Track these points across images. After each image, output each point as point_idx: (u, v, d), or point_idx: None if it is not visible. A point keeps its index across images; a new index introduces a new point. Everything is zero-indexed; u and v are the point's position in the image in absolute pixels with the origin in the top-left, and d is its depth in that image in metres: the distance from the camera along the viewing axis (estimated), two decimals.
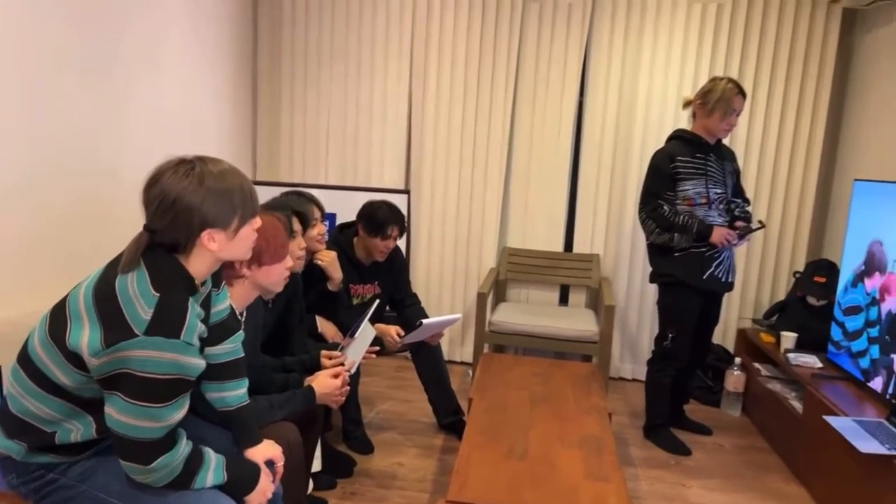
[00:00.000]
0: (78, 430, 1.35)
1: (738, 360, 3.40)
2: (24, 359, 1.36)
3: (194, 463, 1.35)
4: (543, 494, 1.79)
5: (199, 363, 1.31)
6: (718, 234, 2.78)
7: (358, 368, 2.46)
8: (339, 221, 3.01)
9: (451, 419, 2.98)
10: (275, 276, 1.74)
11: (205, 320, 1.42)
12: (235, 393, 1.55)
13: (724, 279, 2.88)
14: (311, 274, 2.48)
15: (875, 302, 2.60)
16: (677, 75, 3.60)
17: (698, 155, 2.83)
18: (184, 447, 1.32)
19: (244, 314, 1.80)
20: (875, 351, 2.58)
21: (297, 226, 2.10)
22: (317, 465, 2.40)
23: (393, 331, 2.68)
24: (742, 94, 2.78)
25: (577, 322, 3.48)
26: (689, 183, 2.80)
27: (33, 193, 2.32)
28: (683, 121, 3.04)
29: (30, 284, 2.32)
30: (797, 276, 3.48)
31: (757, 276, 3.74)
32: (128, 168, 2.80)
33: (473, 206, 3.89)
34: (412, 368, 3.03)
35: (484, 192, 3.86)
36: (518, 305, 3.82)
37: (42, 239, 2.37)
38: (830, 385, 2.73)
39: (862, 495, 2.26)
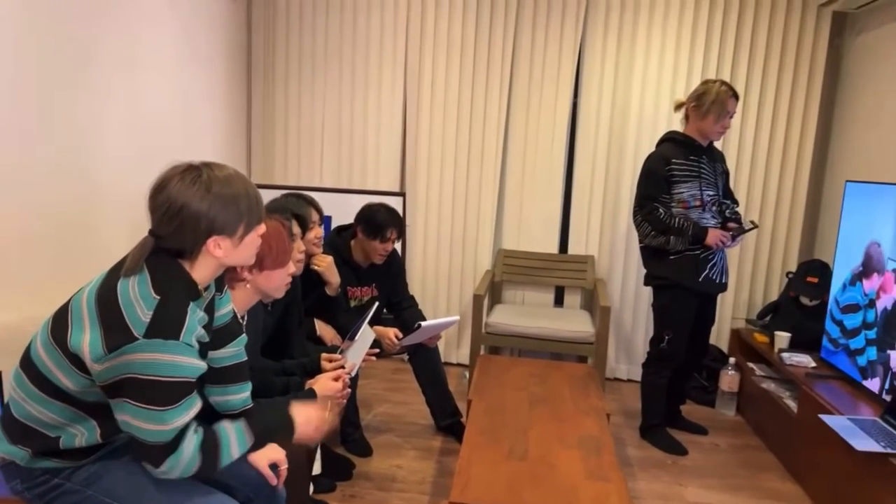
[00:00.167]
0: (82, 434, 1.35)
1: (732, 360, 3.42)
2: (27, 363, 1.35)
3: (211, 447, 1.34)
4: (544, 494, 1.80)
5: (199, 364, 1.31)
6: (713, 236, 2.80)
7: (357, 371, 2.47)
8: (334, 224, 3.01)
9: (449, 421, 2.99)
10: (276, 281, 1.75)
11: (209, 325, 1.42)
12: (239, 396, 1.56)
13: (718, 280, 2.91)
14: (310, 277, 2.49)
15: (873, 304, 2.63)
16: (670, 78, 3.63)
17: (692, 157, 2.86)
18: (188, 444, 1.30)
19: (245, 318, 1.80)
20: (872, 352, 2.62)
21: (296, 229, 2.11)
22: (316, 469, 2.40)
23: (391, 333, 2.68)
24: (735, 96, 2.81)
25: (573, 323, 3.50)
26: (684, 185, 2.83)
27: (27, 195, 2.31)
28: (676, 123, 3.06)
29: (22, 288, 2.31)
30: (790, 276, 3.51)
31: (750, 276, 3.77)
32: (123, 172, 2.79)
33: (468, 208, 3.90)
34: (409, 371, 3.04)
35: (479, 193, 3.88)
36: (514, 307, 3.83)
37: (32, 242, 2.36)
38: (824, 384, 2.76)
39: (858, 493, 2.28)
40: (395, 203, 3.21)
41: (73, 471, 1.38)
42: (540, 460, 1.99)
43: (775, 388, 3.13)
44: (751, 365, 3.40)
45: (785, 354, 3.07)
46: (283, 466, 1.57)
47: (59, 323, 1.31)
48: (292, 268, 1.79)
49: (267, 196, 1.92)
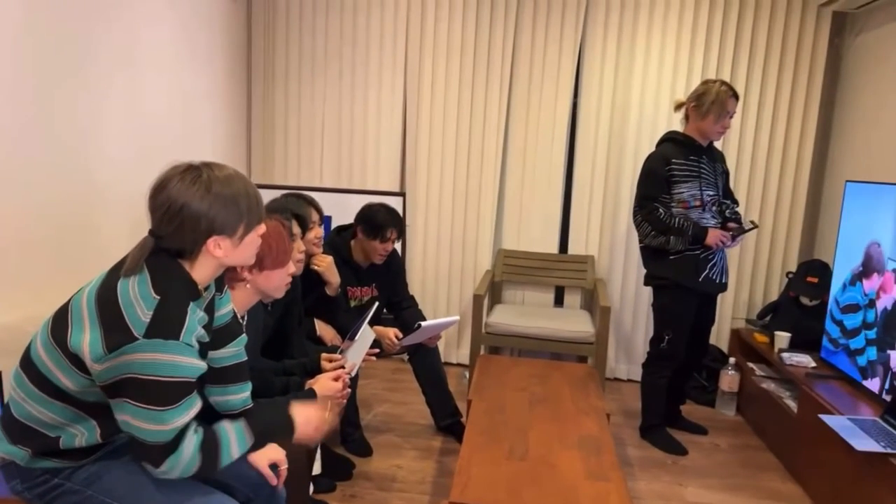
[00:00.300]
0: (82, 434, 1.35)
1: (732, 360, 3.42)
2: (27, 363, 1.35)
3: (211, 447, 1.34)
4: (545, 494, 1.80)
5: (199, 364, 1.31)
6: (713, 236, 2.80)
7: (357, 371, 2.47)
8: (334, 224, 3.01)
9: (448, 421, 2.99)
10: (276, 282, 1.75)
11: (209, 325, 1.42)
12: (239, 396, 1.56)
13: (718, 280, 2.91)
14: (310, 277, 2.49)
15: (873, 304, 2.63)
16: (670, 78, 3.63)
17: (692, 157, 2.86)
18: (188, 444, 1.30)
19: (245, 318, 1.80)
20: (872, 352, 2.62)
21: (296, 229, 2.11)
22: (316, 469, 2.40)
23: (391, 333, 2.68)
24: (735, 96, 2.81)
25: (573, 323, 3.50)
26: (684, 185, 2.83)
27: (27, 194, 2.31)
28: (676, 123, 3.07)
29: (22, 288, 2.31)
30: (790, 276, 3.51)
31: (750, 276, 3.78)
32: (123, 172, 2.80)
33: (468, 208, 3.90)
34: (409, 370, 3.04)
35: (479, 193, 3.88)
36: (514, 307, 3.83)
37: (32, 242, 2.36)
38: (824, 384, 2.76)
39: (858, 493, 2.28)
40: (395, 203, 3.21)
41: (73, 471, 1.38)
42: (540, 460, 1.99)
43: (775, 388, 3.13)
44: (751, 365, 3.40)
45: (785, 354, 3.07)
46: (283, 466, 1.57)
47: (59, 323, 1.31)
48: (292, 268, 1.79)
49: (267, 196, 1.93)
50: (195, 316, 1.31)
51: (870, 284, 2.67)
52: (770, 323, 3.45)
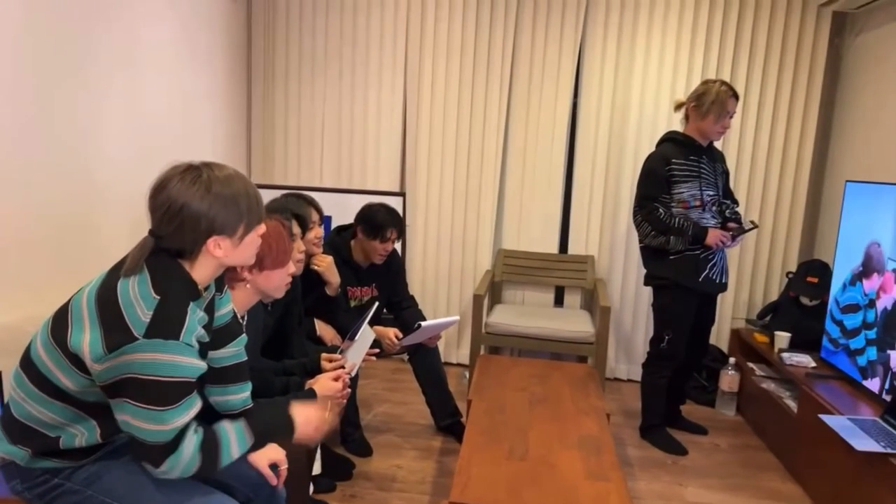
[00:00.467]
0: (82, 434, 1.35)
1: (732, 360, 3.42)
2: (27, 363, 1.35)
3: (211, 447, 1.34)
4: (545, 495, 1.80)
5: (199, 364, 1.31)
6: (713, 236, 2.80)
7: (357, 371, 2.47)
8: (334, 224, 3.01)
9: (448, 421, 2.99)
10: (276, 282, 1.75)
11: (209, 325, 1.42)
12: (239, 396, 1.56)
13: (718, 280, 2.91)
14: (310, 277, 2.49)
15: (873, 304, 2.63)
16: (670, 78, 3.63)
17: (692, 157, 2.86)
18: (188, 444, 1.30)
19: (245, 318, 1.80)
20: (872, 352, 2.62)
21: (296, 229, 2.11)
22: (316, 469, 2.40)
23: (391, 333, 2.68)
24: (735, 96, 2.81)
25: (573, 323, 3.50)
26: (684, 185, 2.83)
27: (27, 194, 2.31)
28: (676, 122, 3.07)
29: (22, 288, 2.31)
30: (790, 276, 3.51)
31: (750, 276, 3.78)
32: (123, 172, 2.80)
33: (468, 208, 3.90)
34: (409, 370, 3.04)
35: (479, 193, 3.88)
36: (514, 307, 3.83)
37: (32, 242, 2.36)
38: (824, 384, 2.76)
39: (858, 493, 2.28)
40: (395, 203, 3.21)
41: (73, 471, 1.38)
42: (540, 460, 1.99)
43: (775, 388, 3.13)
44: (751, 365, 3.40)
45: (785, 354, 3.07)
46: (283, 466, 1.57)
47: (59, 323, 1.31)
48: (292, 268, 1.79)
49: (267, 196, 1.93)
50: (195, 316, 1.31)
51: (870, 284, 2.67)
52: (770, 323, 3.45)
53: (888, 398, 2.48)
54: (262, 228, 1.42)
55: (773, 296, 3.73)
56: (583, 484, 1.86)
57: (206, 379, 1.48)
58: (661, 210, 2.83)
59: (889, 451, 2.14)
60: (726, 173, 3.02)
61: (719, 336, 3.78)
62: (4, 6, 2.14)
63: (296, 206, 2.28)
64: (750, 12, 3.55)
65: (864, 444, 2.19)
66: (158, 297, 1.26)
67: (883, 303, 2.56)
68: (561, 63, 3.73)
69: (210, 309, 1.44)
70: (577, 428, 2.24)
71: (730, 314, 3.79)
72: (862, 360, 2.69)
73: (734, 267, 3.74)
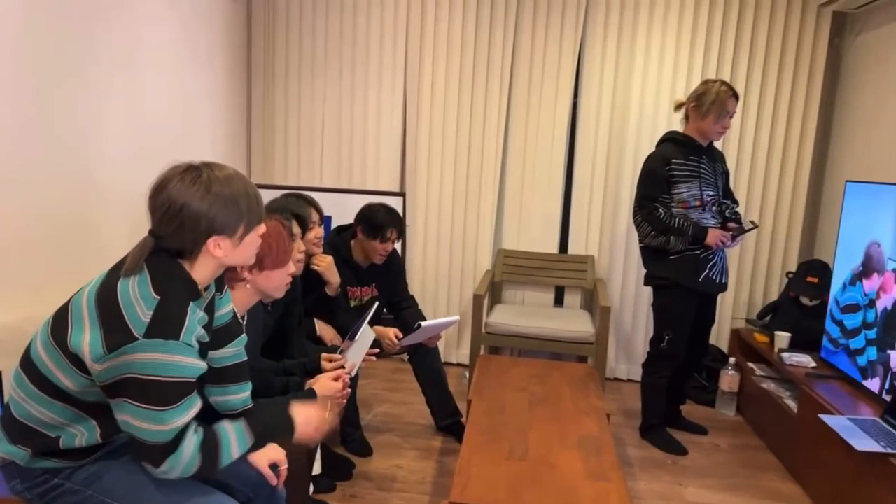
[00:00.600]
0: (82, 434, 1.35)
1: (732, 360, 3.42)
2: (27, 363, 1.35)
3: (211, 447, 1.34)
4: (545, 495, 1.80)
5: (199, 364, 1.31)
6: (713, 236, 2.80)
7: (357, 371, 2.47)
8: (334, 224, 3.01)
9: (448, 421, 2.99)
10: (276, 282, 1.75)
11: (209, 325, 1.42)
12: (239, 396, 1.56)
13: (718, 280, 2.91)
14: (310, 277, 2.49)
15: (873, 304, 2.63)
16: (670, 78, 3.63)
17: (692, 157, 2.86)
18: (188, 444, 1.30)
19: (245, 318, 1.80)
20: (872, 352, 2.62)
21: (296, 229, 2.11)
22: (316, 469, 2.40)
23: (391, 333, 2.68)
24: (735, 96, 2.81)
25: (573, 323, 3.50)
26: (684, 185, 2.83)
27: (27, 194, 2.31)
28: (676, 122, 3.07)
29: (22, 288, 2.31)
30: (790, 276, 3.51)
31: (750, 276, 3.78)
32: (123, 172, 2.80)
33: (468, 208, 3.90)
34: (409, 370, 3.04)
35: (479, 193, 3.88)
36: (514, 307, 3.83)
37: (32, 242, 2.36)
38: (824, 384, 2.76)
39: (858, 493, 2.28)
40: (395, 203, 3.21)
41: (73, 471, 1.38)
42: (540, 460, 1.99)
43: (775, 388, 3.13)
44: (751, 365, 3.40)
45: (785, 354, 3.07)
46: (283, 466, 1.57)
47: (59, 323, 1.31)
48: (292, 268, 1.79)
49: (267, 196, 1.93)
50: (195, 316, 1.31)
51: (870, 284, 2.67)
52: (770, 323, 3.45)
53: (888, 398, 2.48)
54: (262, 228, 1.42)
55: (773, 296, 3.73)
56: (583, 484, 1.86)
57: (206, 379, 1.48)
58: (661, 210, 2.83)
59: (889, 451, 2.14)
60: (726, 173, 3.02)
61: (719, 336, 3.78)
62: (4, 6, 2.14)
63: (296, 206, 2.28)
64: (750, 12, 3.55)
65: (864, 444, 2.19)
66: (158, 297, 1.26)
67: (883, 303, 2.56)
68: (561, 63, 3.73)
69: (210, 309, 1.44)
70: (577, 428, 2.24)
71: (730, 314, 3.79)
72: (862, 360, 2.69)
73: (734, 267, 3.74)
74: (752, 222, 2.90)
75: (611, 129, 3.74)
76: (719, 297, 3.12)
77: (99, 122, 2.64)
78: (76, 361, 1.28)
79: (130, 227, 2.82)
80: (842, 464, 2.38)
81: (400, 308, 3.01)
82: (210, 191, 1.29)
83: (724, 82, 2.81)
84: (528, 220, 3.91)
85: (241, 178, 1.36)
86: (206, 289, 1.42)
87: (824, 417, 2.41)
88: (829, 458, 2.48)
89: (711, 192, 2.88)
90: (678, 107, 2.94)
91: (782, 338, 3.20)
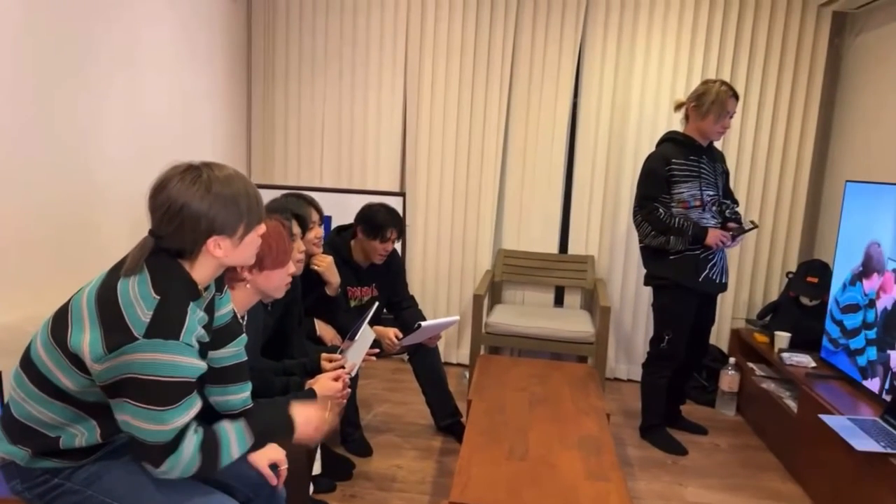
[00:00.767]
0: (82, 434, 1.35)
1: (732, 360, 3.42)
2: (27, 363, 1.35)
3: (211, 447, 1.34)
4: (545, 495, 1.80)
5: (199, 364, 1.31)
6: (713, 236, 2.80)
7: (357, 371, 2.47)
8: (334, 224, 3.01)
9: (448, 421, 2.99)
10: (276, 282, 1.75)
11: (209, 325, 1.42)
12: (239, 396, 1.56)
13: (718, 280, 2.91)
14: (310, 277, 2.49)
15: (873, 304, 2.63)
16: (670, 78, 3.63)
17: (692, 157, 2.86)
18: (188, 444, 1.30)
19: (245, 318, 1.80)
20: (872, 352, 2.62)
21: (296, 229, 2.11)
22: (316, 469, 2.40)
23: (391, 333, 2.68)
24: (735, 96, 2.81)
25: (573, 323, 3.50)
26: (684, 185, 2.83)
27: (27, 194, 2.31)
28: (676, 122, 3.07)
29: (22, 288, 2.31)
30: (790, 276, 3.51)
31: (750, 276, 3.78)
32: (123, 172, 2.80)
33: (468, 208, 3.90)
34: (409, 370, 3.04)
35: (479, 193, 3.88)
36: (514, 307, 3.83)
37: (32, 242, 2.36)
38: (824, 384, 2.76)
39: (858, 493, 2.28)
40: (395, 203, 3.21)
41: (73, 471, 1.38)
42: (540, 460, 1.99)
43: (775, 388, 3.13)
44: (751, 365, 3.40)
45: (785, 354, 3.07)
46: (283, 466, 1.57)
47: (59, 323, 1.31)
48: (292, 268, 1.79)
49: (267, 196, 1.93)
50: (195, 316, 1.31)
51: (870, 284, 2.67)
52: (770, 323, 3.45)
53: (888, 398, 2.48)
54: (262, 228, 1.42)
55: (773, 296, 3.73)
56: (583, 484, 1.86)
57: (206, 379, 1.48)
58: (661, 210, 2.83)
59: (889, 451, 2.14)
60: (726, 173, 3.02)
61: (719, 336, 3.78)
62: (4, 6, 2.14)
63: (296, 206, 2.28)
64: (750, 12, 3.55)
65: (864, 444, 2.19)
66: (158, 297, 1.26)
67: (883, 303, 2.56)
68: (561, 63, 3.73)
69: (210, 309, 1.44)
70: (577, 428, 2.24)
71: (730, 314, 3.79)
72: (862, 360, 2.68)
73: (734, 267, 3.74)
74: (752, 222, 2.90)
75: (611, 129, 3.74)
76: (719, 297, 3.13)
77: (99, 122, 2.64)
78: (76, 361, 1.28)
79: (130, 227, 2.82)
80: (842, 464, 2.38)
81: (400, 308, 3.01)
82: (210, 191, 1.29)
83: (724, 82, 2.81)
84: (528, 220, 3.91)
85: (241, 178, 1.36)
86: (206, 289, 1.42)
87: (824, 417, 2.41)
88: (829, 458, 2.48)
89: (711, 192, 2.88)
90: (678, 107, 2.94)
91: (782, 338, 3.20)
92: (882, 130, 3.16)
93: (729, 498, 2.60)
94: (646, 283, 3.01)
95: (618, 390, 3.74)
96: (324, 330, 2.63)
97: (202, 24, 3.37)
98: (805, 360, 3.01)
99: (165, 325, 1.25)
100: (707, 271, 2.86)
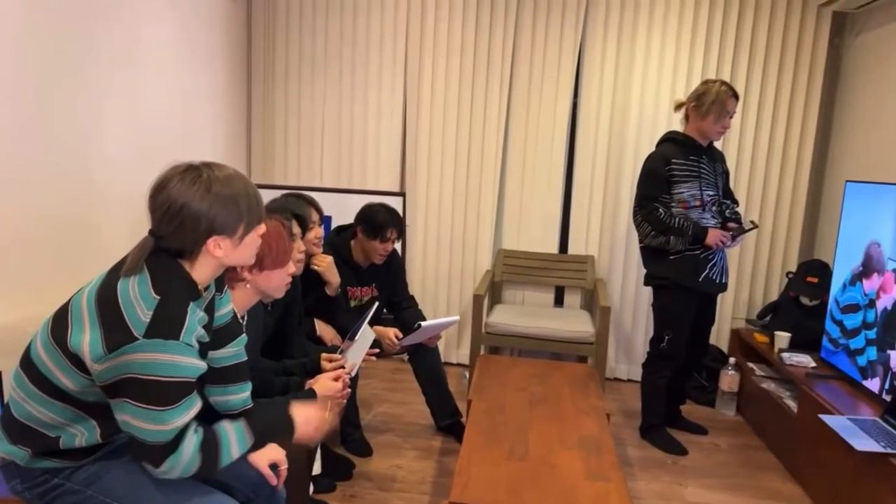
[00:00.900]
0: (82, 434, 1.35)
1: (732, 360, 3.42)
2: (27, 363, 1.35)
3: (211, 447, 1.34)
4: (544, 495, 1.80)
5: (199, 364, 1.31)
6: (713, 236, 2.80)
7: (357, 371, 2.47)
8: (334, 224, 3.01)
9: (448, 421, 2.99)
10: (276, 282, 1.75)
11: (209, 325, 1.42)
12: (239, 396, 1.56)
13: (718, 280, 2.91)
14: (310, 277, 2.49)
15: (873, 304, 2.63)
16: (670, 78, 3.63)
17: (692, 157, 2.86)
18: (188, 444, 1.30)
19: (245, 318, 1.80)
20: (872, 352, 2.62)
21: (296, 229, 2.11)
22: (316, 469, 2.40)
23: (391, 333, 2.68)
24: (735, 96, 2.81)
25: (573, 323, 3.50)
26: (684, 185, 2.83)
27: (27, 194, 2.31)
28: (676, 122, 3.07)
29: (22, 288, 2.31)
30: (790, 276, 3.51)
31: (750, 276, 3.78)
32: (123, 172, 2.80)
33: (468, 208, 3.90)
34: (409, 370, 3.04)
35: (479, 193, 3.88)
36: (514, 307, 3.83)
37: (32, 242, 2.36)
38: (824, 384, 2.76)
39: (858, 493, 2.28)
40: (395, 203, 3.21)
41: (73, 471, 1.38)
42: (540, 460, 1.99)
43: (775, 388, 3.13)
44: (751, 365, 3.40)
45: (785, 354, 3.07)
46: (283, 466, 1.57)
47: (59, 323, 1.31)
48: (292, 268, 1.79)
49: (267, 196, 1.93)
50: (195, 316, 1.31)
51: (870, 284, 2.67)
52: (770, 323, 3.45)
53: (888, 398, 2.48)
54: (262, 228, 1.42)
55: (773, 296, 3.73)
56: (583, 484, 1.86)
57: (206, 379, 1.48)
58: (661, 210, 2.83)
59: (889, 451, 2.14)
60: (726, 173, 3.02)
61: (719, 336, 3.78)
62: (4, 6, 2.14)
63: (296, 206, 2.28)
64: (750, 12, 3.55)
65: (864, 444, 2.19)
66: (158, 297, 1.26)
67: (883, 303, 2.56)
68: (561, 63, 3.73)
69: (210, 309, 1.44)
70: (577, 428, 2.24)
71: (730, 314, 3.78)
72: (862, 360, 2.69)
73: (734, 267, 3.74)
74: (752, 222, 2.90)
75: (611, 129, 3.74)
76: (719, 297, 3.13)
77: (99, 122, 2.64)
78: (76, 361, 1.28)
79: (130, 227, 2.82)
80: (842, 464, 2.38)
81: (400, 308, 3.01)
82: (210, 191, 1.29)
83: (724, 82, 2.81)
84: (528, 220, 3.91)
85: (241, 178, 1.36)
86: (206, 289, 1.42)
87: (824, 417, 2.41)
88: (829, 458, 2.48)
89: (711, 192, 2.88)
90: (678, 107, 2.94)
91: (782, 338, 3.20)
92: (882, 130, 3.16)
93: (729, 498, 2.60)
94: (646, 283, 3.01)
95: (618, 390, 3.74)
96: (324, 330, 2.63)
97: (202, 24, 3.37)
98: (805, 360, 3.01)
99: (165, 325, 1.25)
100: (707, 271, 2.86)
